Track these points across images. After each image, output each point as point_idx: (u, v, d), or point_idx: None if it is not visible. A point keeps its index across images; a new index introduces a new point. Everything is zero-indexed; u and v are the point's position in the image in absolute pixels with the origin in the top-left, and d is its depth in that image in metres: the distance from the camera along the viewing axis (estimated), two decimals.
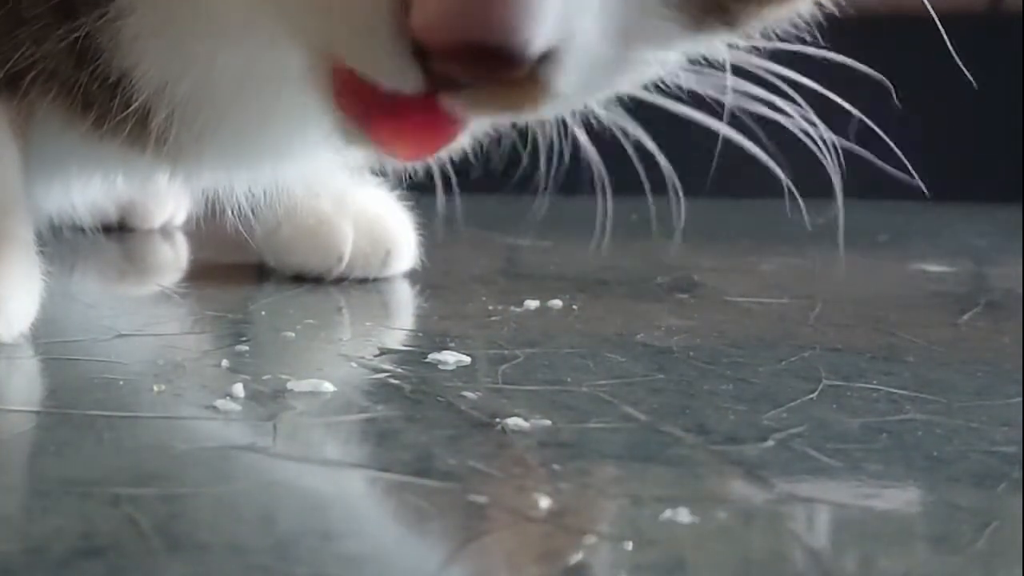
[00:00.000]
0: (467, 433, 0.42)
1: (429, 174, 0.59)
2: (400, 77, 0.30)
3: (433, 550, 0.32)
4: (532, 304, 0.62)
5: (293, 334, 0.55)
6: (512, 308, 0.61)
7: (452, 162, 0.57)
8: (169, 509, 0.34)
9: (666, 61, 0.37)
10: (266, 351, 0.53)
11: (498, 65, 0.28)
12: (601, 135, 0.49)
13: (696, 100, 0.45)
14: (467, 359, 0.50)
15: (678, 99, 0.45)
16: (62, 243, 0.54)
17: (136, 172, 0.57)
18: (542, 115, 0.36)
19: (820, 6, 0.39)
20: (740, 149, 0.41)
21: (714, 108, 0.46)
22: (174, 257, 0.81)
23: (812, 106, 0.45)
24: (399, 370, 0.49)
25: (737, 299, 0.68)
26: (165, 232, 0.86)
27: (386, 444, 0.41)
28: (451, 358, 0.50)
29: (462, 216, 0.64)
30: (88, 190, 0.61)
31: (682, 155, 0.44)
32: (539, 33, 0.28)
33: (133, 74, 0.46)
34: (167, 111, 0.47)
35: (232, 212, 0.59)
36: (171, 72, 0.46)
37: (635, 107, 0.47)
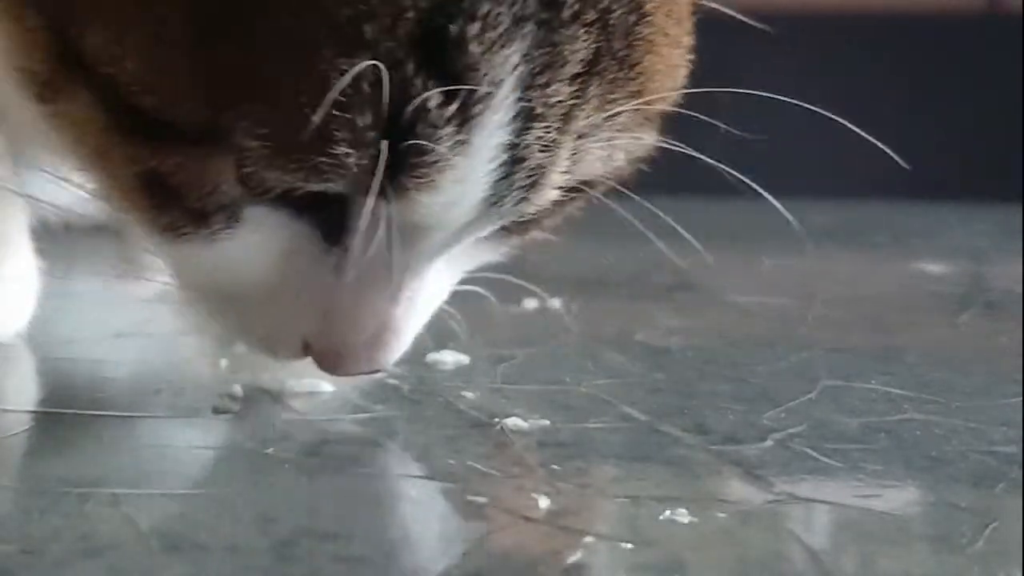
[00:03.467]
0: (466, 433, 0.42)
1: None
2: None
3: (432, 550, 0.32)
4: (531, 304, 0.62)
5: None
6: (511, 308, 0.61)
7: None
8: (167, 509, 0.34)
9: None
10: None
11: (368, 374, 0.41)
12: None
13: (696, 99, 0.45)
14: (466, 359, 0.50)
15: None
16: (60, 241, 0.54)
17: None
18: None
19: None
20: (739, 149, 0.41)
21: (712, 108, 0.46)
22: None
23: (809, 106, 0.45)
24: (398, 370, 0.49)
25: (736, 299, 0.68)
26: None
27: (384, 444, 0.41)
28: (450, 358, 0.50)
29: None
30: None
31: (680, 155, 0.44)
32: (397, 353, 0.40)
33: None
34: None
35: None
36: None
37: None
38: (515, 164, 0.34)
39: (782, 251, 0.84)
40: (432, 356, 0.50)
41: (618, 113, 0.36)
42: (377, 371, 0.40)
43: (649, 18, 0.36)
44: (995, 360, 0.56)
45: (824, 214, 1.15)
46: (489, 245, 0.42)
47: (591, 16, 0.34)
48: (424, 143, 0.33)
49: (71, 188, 0.40)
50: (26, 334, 0.50)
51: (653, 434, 0.42)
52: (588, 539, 0.33)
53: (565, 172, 0.36)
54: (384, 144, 0.32)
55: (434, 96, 0.32)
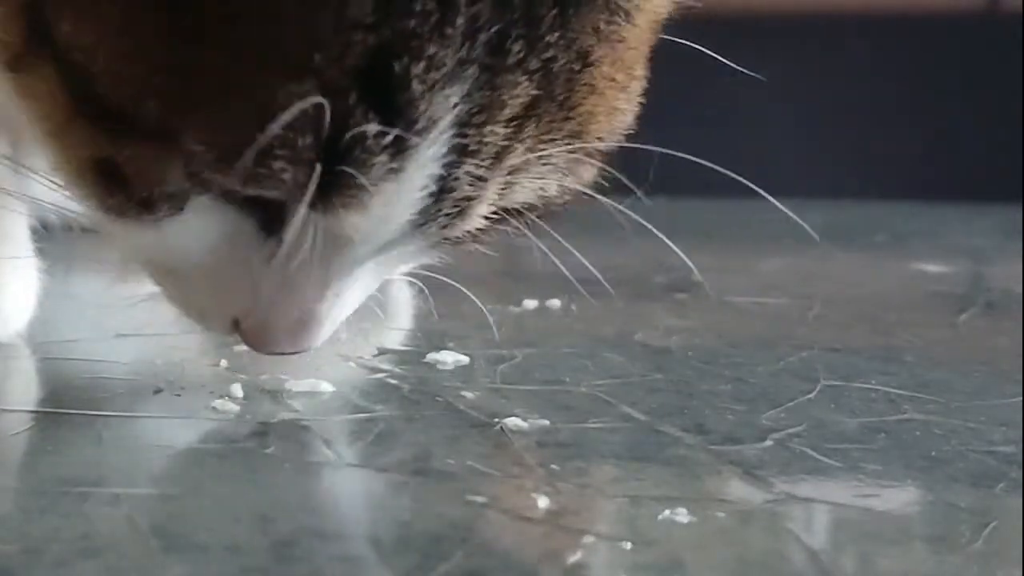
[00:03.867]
0: (465, 433, 0.42)
1: None
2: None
3: (431, 550, 0.32)
4: (531, 304, 0.62)
5: None
6: (511, 308, 0.61)
7: None
8: (167, 509, 0.34)
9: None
10: None
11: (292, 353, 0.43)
12: None
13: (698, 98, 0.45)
14: (466, 359, 0.50)
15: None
16: (60, 241, 0.54)
17: None
18: None
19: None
20: (738, 149, 0.41)
21: (712, 108, 0.46)
22: None
23: (809, 106, 0.45)
24: (397, 370, 0.49)
25: (736, 299, 0.68)
26: None
27: (384, 444, 0.41)
28: (450, 358, 0.50)
29: None
30: None
31: (681, 155, 0.44)
32: (317, 340, 0.42)
33: None
34: None
35: None
36: None
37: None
38: (443, 194, 0.36)
39: (782, 251, 0.84)
40: (432, 356, 0.50)
41: (552, 152, 0.38)
42: (297, 352, 0.42)
43: (594, 67, 0.37)
44: (995, 360, 0.56)
45: (824, 214, 1.15)
46: (420, 252, 0.42)
47: (535, 64, 0.35)
48: (355, 170, 0.34)
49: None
50: (26, 334, 0.50)
51: (653, 434, 0.42)
52: (588, 539, 0.33)
53: (492, 203, 0.38)
54: (318, 166, 0.34)
55: (372, 127, 0.33)
